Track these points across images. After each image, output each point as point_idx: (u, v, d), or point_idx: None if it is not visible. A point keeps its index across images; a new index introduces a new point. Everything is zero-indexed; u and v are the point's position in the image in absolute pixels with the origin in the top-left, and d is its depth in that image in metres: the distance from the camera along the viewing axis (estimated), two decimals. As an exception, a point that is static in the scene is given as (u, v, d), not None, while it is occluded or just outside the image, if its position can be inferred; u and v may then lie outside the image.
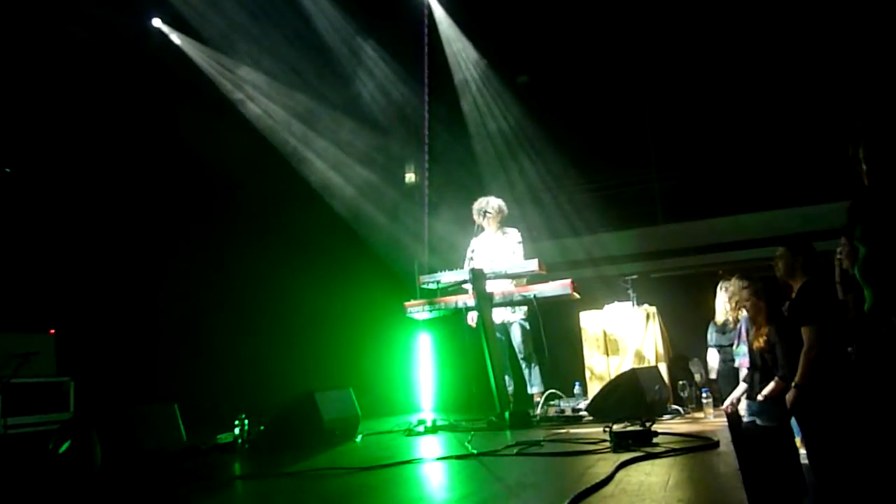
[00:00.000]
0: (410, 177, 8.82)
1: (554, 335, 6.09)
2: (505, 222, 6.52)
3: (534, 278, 5.97)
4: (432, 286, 5.96)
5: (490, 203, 6.40)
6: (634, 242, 8.00)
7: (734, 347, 5.14)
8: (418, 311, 6.01)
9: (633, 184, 8.60)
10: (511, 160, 8.48)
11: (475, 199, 6.51)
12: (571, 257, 8.06)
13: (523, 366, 6.32)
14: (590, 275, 7.66)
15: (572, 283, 5.61)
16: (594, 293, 6.68)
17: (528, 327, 6.29)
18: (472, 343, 5.76)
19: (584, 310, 6.46)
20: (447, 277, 5.89)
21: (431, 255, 7.60)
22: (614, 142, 8.53)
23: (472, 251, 6.27)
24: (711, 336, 5.92)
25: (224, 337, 6.56)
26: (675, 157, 8.41)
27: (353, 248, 7.50)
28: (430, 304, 5.96)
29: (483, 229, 6.43)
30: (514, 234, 6.46)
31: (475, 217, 6.34)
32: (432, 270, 6.13)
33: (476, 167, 8.41)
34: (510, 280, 6.10)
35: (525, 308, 6.25)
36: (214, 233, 6.90)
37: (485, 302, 5.78)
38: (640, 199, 8.52)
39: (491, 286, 5.93)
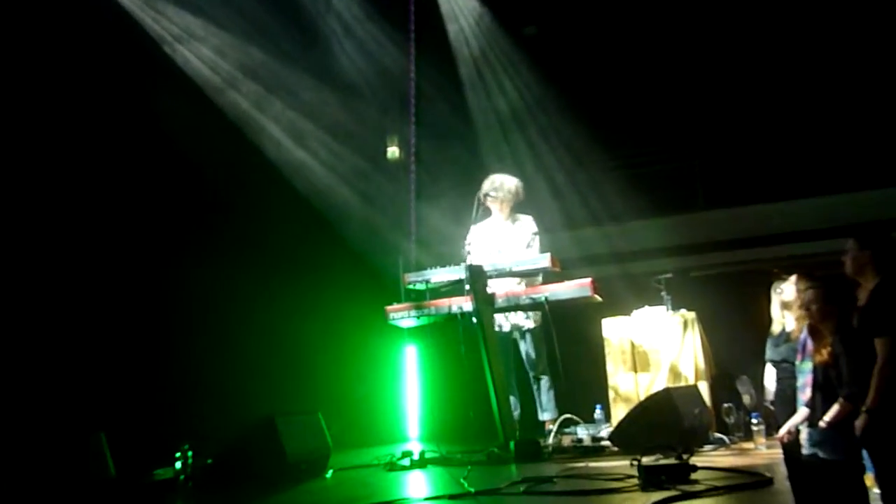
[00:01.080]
0: (394, 151, 8.77)
1: (570, 347, 6.08)
2: (518, 208, 6.51)
3: (545, 277, 5.99)
4: (420, 286, 5.97)
5: (505, 184, 6.36)
6: (669, 233, 7.98)
7: (797, 363, 5.10)
8: (403, 317, 6.04)
9: (668, 161, 8.56)
10: (518, 131, 8.46)
11: (473, 179, 6.47)
12: (592, 251, 8.05)
13: (535, 386, 6.31)
14: (614, 273, 7.69)
15: (593, 282, 5.64)
16: (620, 295, 6.68)
17: (541, 336, 6.29)
18: (471, 356, 5.76)
19: (608, 316, 6.46)
20: (439, 276, 5.91)
21: (419, 249, 7.60)
22: (646, 110, 8.42)
23: (469, 243, 6.24)
24: (768, 349, 5.92)
25: (161, 349, 6.44)
26: (720, 128, 8.33)
27: (321, 239, 7.47)
28: (418, 308, 5.99)
29: (489, 213, 6.40)
30: (527, 223, 6.44)
31: (483, 199, 6.29)
32: (420, 267, 6.16)
33: (474, 140, 8.39)
34: (519, 279, 6.09)
35: (540, 313, 6.20)
36: (145, 219, 6.76)
37: (485, 305, 5.79)
38: (676, 180, 8.46)
39: (494, 286, 5.93)
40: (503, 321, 6.30)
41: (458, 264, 5.92)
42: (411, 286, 6.00)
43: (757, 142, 8.11)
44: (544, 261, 5.78)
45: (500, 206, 6.39)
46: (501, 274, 5.93)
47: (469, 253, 6.11)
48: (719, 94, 8.20)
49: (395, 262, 6.32)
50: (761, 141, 8.09)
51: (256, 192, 7.34)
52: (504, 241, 6.38)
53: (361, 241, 7.49)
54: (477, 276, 5.78)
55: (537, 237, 6.42)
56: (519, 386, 6.45)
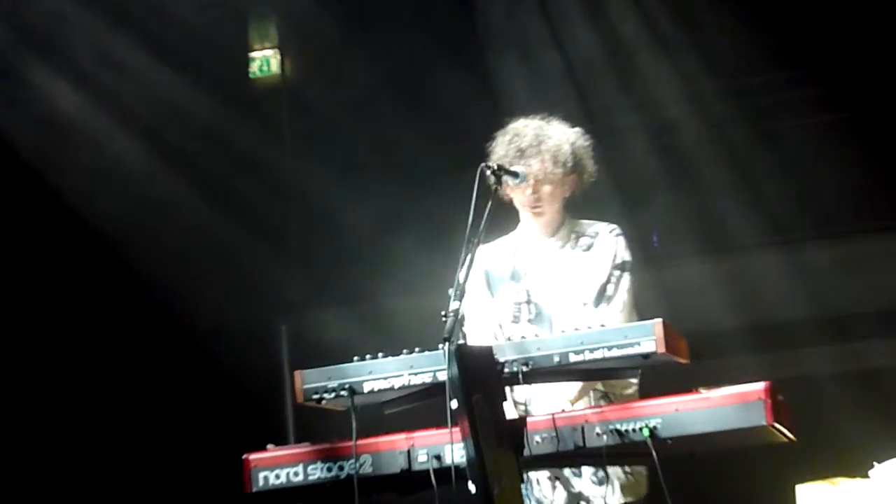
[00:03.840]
0: (265, 63, 9.33)
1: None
2: (579, 205, 6.41)
3: (650, 375, 5.69)
4: (337, 400, 5.60)
5: (548, 139, 6.21)
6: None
7: None
8: (290, 477, 5.70)
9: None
10: (586, 18, 9.20)
11: (468, 136, 7.03)
12: (763, 315, 8.61)
13: None
14: (820, 367, 8.22)
15: (770, 392, 5.09)
16: (836, 426, 7.35)
17: None
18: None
19: (809, 478, 6.34)
20: (383, 376, 5.59)
21: (332, 308, 7.12)
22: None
23: (459, 293, 5.59)
24: None
25: None
26: None
27: (99, 282, 8.34)
28: (329, 458, 5.61)
29: (515, 220, 6.42)
30: (606, 244, 6.30)
31: (496, 180, 5.97)
32: (337, 355, 5.76)
33: (478, 55, 9.41)
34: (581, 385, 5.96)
35: (626, 473, 6.02)
36: None
37: (503, 452, 5.27)
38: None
39: (529, 395, 5.91)
40: (547, 487, 6.10)
41: (431, 348, 5.48)
42: (315, 399, 5.58)
43: None
44: (647, 339, 5.17)
45: (533, 198, 6.08)
46: (541, 369, 5.37)
47: (457, 316, 5.40)
48: None
49: (275, 336, 6.08)
50: None
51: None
52: (555, 288, 6.14)
53: (191, 287, 8.04)
54: (481, 378, 5.28)
55: (627, 276, 6.13)
56: None
